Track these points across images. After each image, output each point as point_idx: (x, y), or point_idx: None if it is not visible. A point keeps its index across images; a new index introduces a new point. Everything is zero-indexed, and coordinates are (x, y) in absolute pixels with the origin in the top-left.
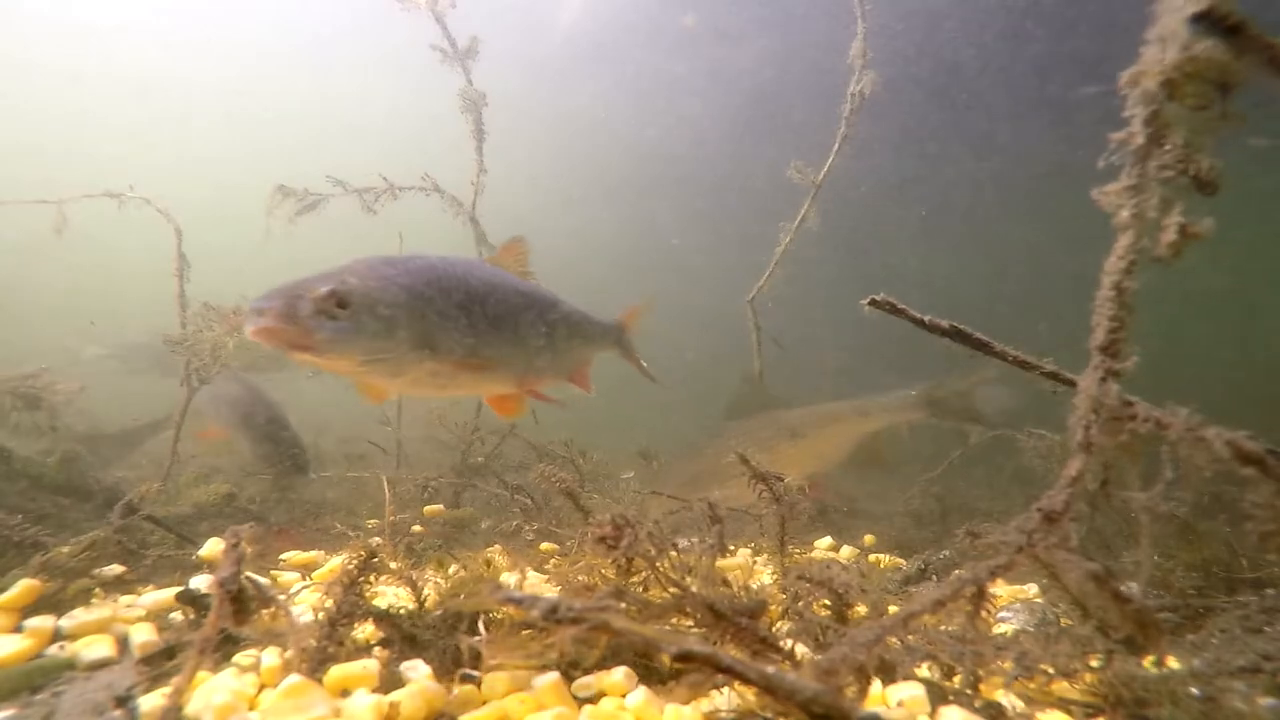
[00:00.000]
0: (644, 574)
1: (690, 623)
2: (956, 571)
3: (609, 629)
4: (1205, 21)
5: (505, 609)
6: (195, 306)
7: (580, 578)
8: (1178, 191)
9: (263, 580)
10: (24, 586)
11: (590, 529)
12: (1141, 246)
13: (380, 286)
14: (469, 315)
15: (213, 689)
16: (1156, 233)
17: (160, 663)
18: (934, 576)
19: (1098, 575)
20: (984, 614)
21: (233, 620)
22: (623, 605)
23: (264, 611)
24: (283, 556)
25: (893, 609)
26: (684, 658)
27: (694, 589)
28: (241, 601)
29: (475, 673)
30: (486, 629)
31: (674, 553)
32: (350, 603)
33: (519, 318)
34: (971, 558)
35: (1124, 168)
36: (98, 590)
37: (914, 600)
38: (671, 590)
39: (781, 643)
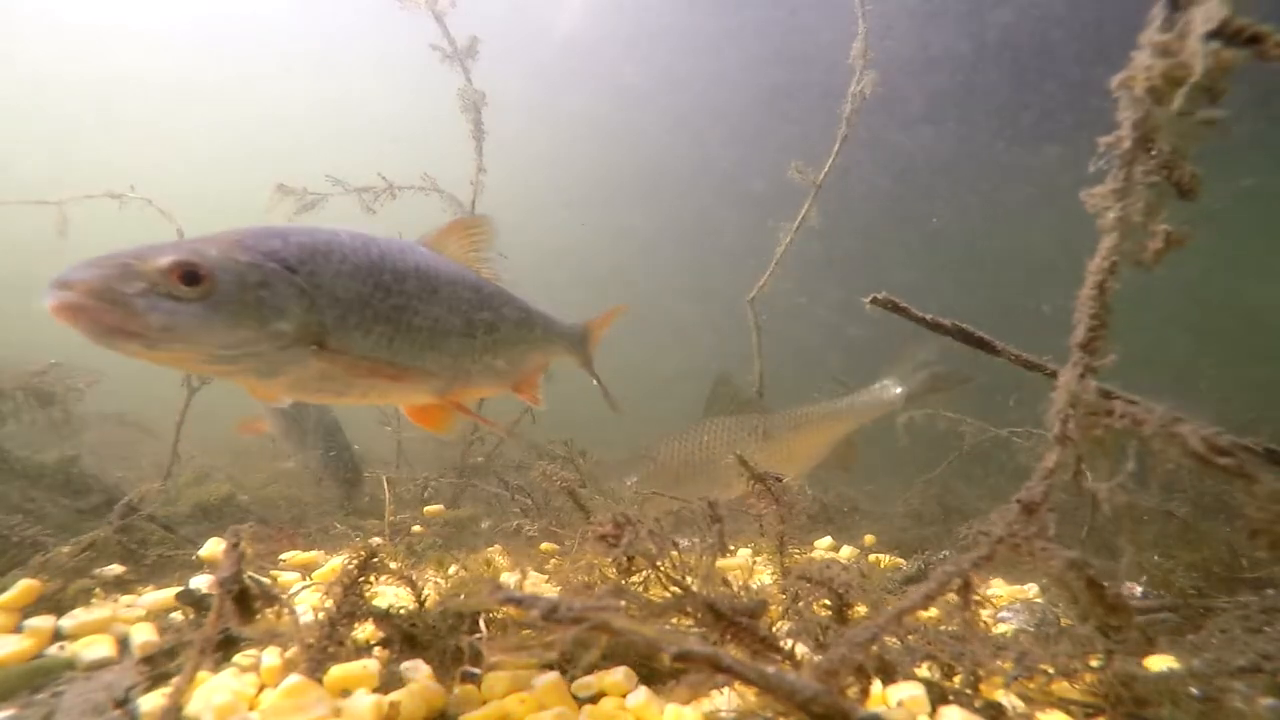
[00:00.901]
0: (644, 573)
1: (690, 623)
2: (943, 566)
3: (609, 629)
4: (1221, 37)
5: (505, 609)
6: None
7: (580, 577)
8: (1162, 195)
9: (264, 580)
10: (24, 586)
11: (591, 528)
12: (1125, 249)
13: (251, 261)
14: (377, 305)
15: (213, 689)
16: (1143, 237)
17: (160, 663)
18: None
19: (1075, 563)
20: (974, 606)
21: (237, 619)
22: (623, 605)
23: (267, 611)
24: (283, 556)
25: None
26: (684, 658)
27: (694, 588)
28: (245, 601)
29: (476, 671)
30: (487, 628)
31: (674, 552)
32: (350, 603)
33: (446, 312)
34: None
35: (1110, 171)
36: (98, 590)
37: (905, 597)
38: (672, 590)
39: (782, 643)
